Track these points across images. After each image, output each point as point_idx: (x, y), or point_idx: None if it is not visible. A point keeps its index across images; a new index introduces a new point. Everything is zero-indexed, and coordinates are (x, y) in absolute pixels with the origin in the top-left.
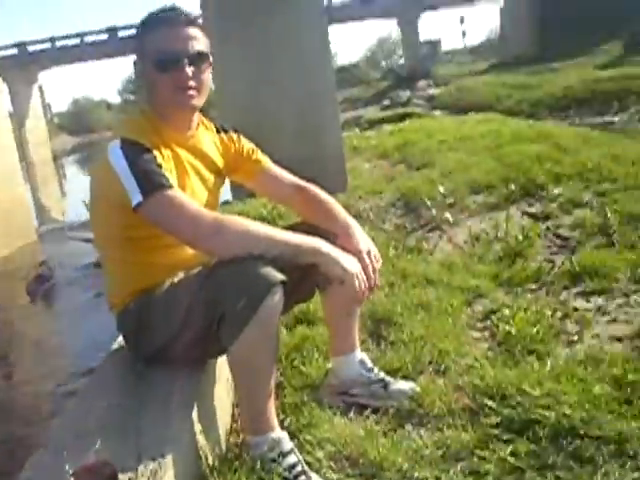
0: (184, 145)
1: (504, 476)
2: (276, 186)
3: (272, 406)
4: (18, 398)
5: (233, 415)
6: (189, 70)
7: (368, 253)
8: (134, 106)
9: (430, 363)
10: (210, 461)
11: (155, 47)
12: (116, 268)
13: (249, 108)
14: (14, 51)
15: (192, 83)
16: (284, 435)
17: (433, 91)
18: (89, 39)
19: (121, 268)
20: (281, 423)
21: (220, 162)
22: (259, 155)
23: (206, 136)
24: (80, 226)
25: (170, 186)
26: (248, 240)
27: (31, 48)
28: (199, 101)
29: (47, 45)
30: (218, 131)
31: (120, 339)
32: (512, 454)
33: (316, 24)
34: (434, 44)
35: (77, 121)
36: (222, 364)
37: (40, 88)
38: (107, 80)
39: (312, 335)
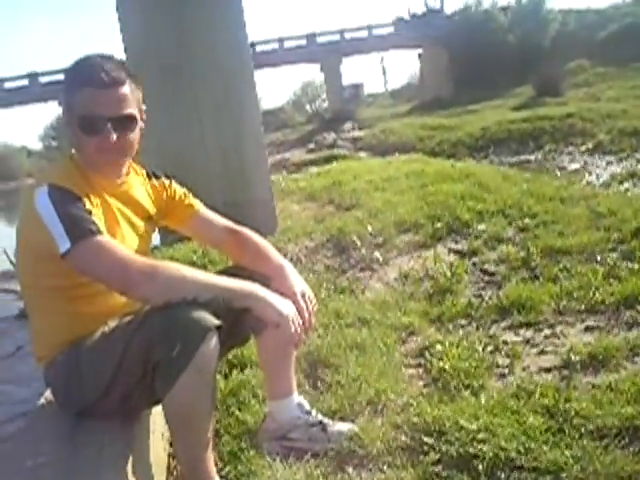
0: (113, 192)
1: None
2: (209, 230)
3: (210, 455)
4: None
5: (169, 467)
6: (113, 136)
7: (303, 295)
8: (56, 153)
9: (368, 403)
10: None
11: (80, 108)
12: (43, 319)
13: (175, 152)
14: None
15: (116, 146)
16: None
17: (358, 133)
18: (9, 85)
19: (49, 318)
20: (219, 472)
21: (151, 208)
22: (191, 200)
23: (137, 182)
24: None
25: (100, 232)
26: (181, 285)
27: None
28: (124, 160)
29: None
30: (149, 177)
31: (47, 394)
32: None
33: (242, 67)
34: (357, 87)
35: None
36: (156, 414)
37: None
38: (28, 126)
39: (247, 380)
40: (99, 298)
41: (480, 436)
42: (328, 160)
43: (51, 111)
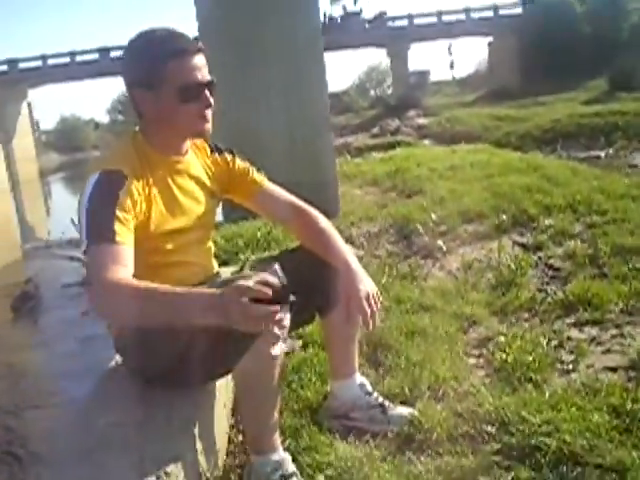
0: (174, 169)
1: None
2: (273, 205)
3: (276, 427)
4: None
5: (230, 438)
6: (212, 100)
7: (367, 297)
8: (122, 126)
9: (428, 389)
10: None
11: (178, 77)
12: None
13: (243, 130)
14: (4, 67)
15: (209, 112)
16: (287, 457)
17: (422, 121)
18: (80, 58)
19: None
20: (281, 445)
21: (213, 183)
22: (255, 175)
23: (197, 158)
24: (65, 244)
25: (114, 242)
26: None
27: (22, 65)
28: (210, 129)
29: (38, 63)
30: (212, 151)
31: (117, 357)
32: None
33: (313, 49)
34: (423, 74)
35: (65, 139)
36: (220, 387)
37: (29, 105)
38: (96, 99)
39: (309, 358)
40: (173, 267)
41: (543, 429)
42: (391, 146)
43: (119, 85)
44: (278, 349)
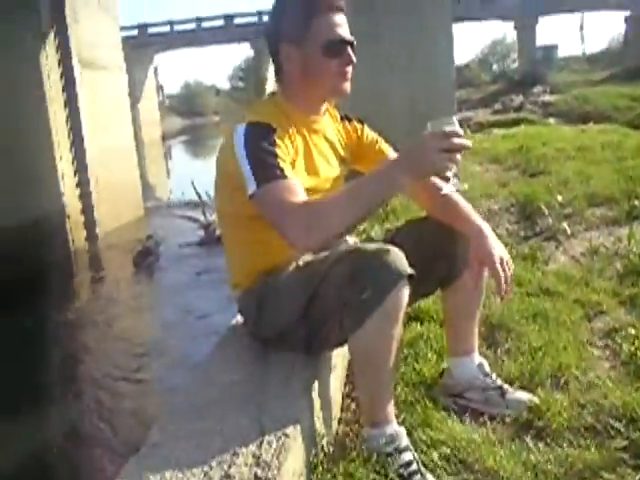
0: (311, 129)
1: None
2: None
3: (391, 399)
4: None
5: (342, 406)
6: (353, 58)
7: (501, 261)
8: (241, 93)
9: (549, 376)
10: (326, 447)
11: (324, 33)
12: (239, 247)
13: (363, 97)
14: (134, 32)
15: (350, 70)
16: (401, 431)
17: (548, 98)
18: (206, 24)
19: (245, 247)
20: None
21: (343, 150)
22: (382, 145)
23: (331, 123)
24: (184, 205)
25: (283, 176)
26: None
27: (150, 30)
28: (349, 89)
29: (166, 28)
30: (342, 119)
31: (238, 317)
32: None
33: (441, 17)
34: (550, 49)
35: (187, 104)
36: (336, 354)
37: (155, 70)
38: (218, 66)
39: (426, 333)
40: None
41: None
42: (515, 123)
43: (241, 52)
44: (448, 188)
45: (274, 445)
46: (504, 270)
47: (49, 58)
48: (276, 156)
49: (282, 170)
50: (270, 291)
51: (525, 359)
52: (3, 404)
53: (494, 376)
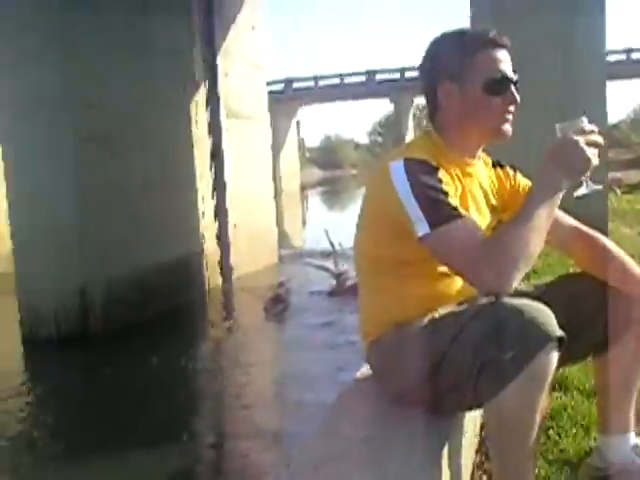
0: (466, 172)
1: None
2: (556, 227)
3: (532, 476)
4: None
5: (472, 476)
6: (517, 97)
7: None
8: (380, 148)
9: None
10: None
11: (486, 69)
12: (376, 294)
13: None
14: (281, 86)
15: (513, 110)
16: None
17: None
18: (348, 80)
19: (382, 295)
20: None
21: (494, 198)
22: None
23: (484, 169)
24: (317, 254)
25: (459, 216)
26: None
27: (295, 85)
28: (511, 131)
29: (310, 83)
30: (494, 165)
31: (364, 369)
32: None
33: (596, 77)
34: None
35: (326, 156)
36: (469, 419)
37: (298, 123)
38: (358, 121)
39: (570, 404)
40: (440, 280)
41: None
42: None
43: (381, 108)
44: (582, 190)
45: None
46: None
47: (199, 107)
48: (447, 194)
49: (456, 209)
50: (401, 343)
51: None
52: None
53: None
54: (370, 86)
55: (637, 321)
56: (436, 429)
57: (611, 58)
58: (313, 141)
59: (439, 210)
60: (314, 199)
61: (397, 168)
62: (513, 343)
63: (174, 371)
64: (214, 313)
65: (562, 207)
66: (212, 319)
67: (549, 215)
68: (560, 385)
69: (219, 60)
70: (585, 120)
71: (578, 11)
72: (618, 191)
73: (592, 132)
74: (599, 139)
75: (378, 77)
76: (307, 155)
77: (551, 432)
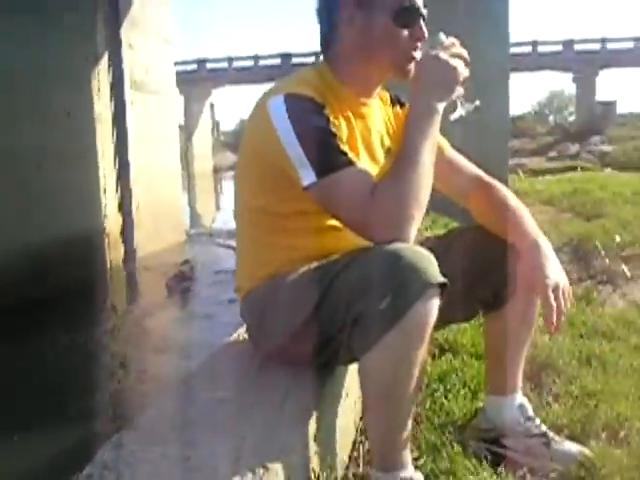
0: (358, 113)
1: None
2: (454, 175)
3: (408, 439)
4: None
5: (355, 442)
6: (425, 33)
7: (556, 288)
8: None
9: (605, 426)
10: None
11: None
12: (250, 246)
13: None
14: (194, 67)
15: (419, 48)
16: (418, 477)
17: (606, 148)
18: (263, 62)
19: (256, 247)
20: (414, 462)
21: (391, 140)
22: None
23: (379, 108)
24: (225, 234)
25: (350, 163)
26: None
27: (209, 65)
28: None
29: (224, 64)
30: (393, 103)
31: (240, 331)
32: None
33: (499, 67)
34: (608, 105)
35: (241, 140)
36: (352, 381)
37: (212, 105)
38: None
39: (459, 367)
40: (327, 233)
41: None
42: (570, 170)
43: None
44: (459, 111)
45: (248, 478)
46: (557, 299)
47: (101, 79)
48: (335, 136)
49: (346, 154)
50: (273, 296)
51: (576, 405)
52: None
53: (538, 421)
54: (285, 69)
55: (521, 280)
56: (312, 385)
57: (517, 50)
58: (228, 124)
59: (326, 156)
60: (229, 183)
61: (277, 105)
62: (388, 292)
63: (63, 349)
64: (114, 291)
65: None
66: (111, 297)
67: (431, 145)
68: (450, 348)
69: (123, 31)
70: (442, 35)
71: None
72: (521, 174)
73: (453, 45)
74: (461, 51)
75: (293, 60)
76: (222, 138)
77: (438, 394)
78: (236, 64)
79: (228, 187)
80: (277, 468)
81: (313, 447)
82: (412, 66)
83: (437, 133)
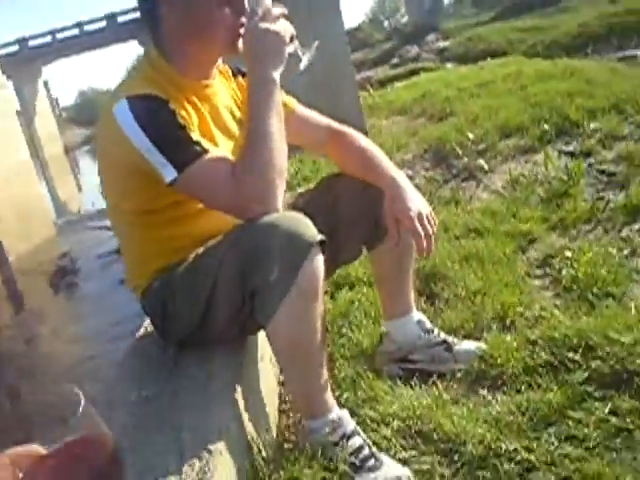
0: (203, 96)
1: (609, 439)
2: (308, 130)
3: (327, 384)
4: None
5: (281, 395)
6: (246, 6)
7: (420, 217)
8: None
9: (494, 318)
10: (263, 452)
11: None
12: (135, 245)
13: None
14: (16, 48)
15: (243, 23)
16: (344, 414)
17: (442, 44)
18: (88, 28)
19: (141, 245)
20: (337, 400)
21: (241, 111)
22: (285, 97)
23: (223, 83)
24: (97, 215)
25: (204, 151)
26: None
27: (32, 43)
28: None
29: (48, 39)
30: (234, 75)
31: (147, 323)
32: (612, 413)
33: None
34: None
35: (85, 113)
36: (264, 338)
37: (45, 83)
38: (110, 68)
39: (358, 298)
40: (202, 218)
41: (638, 349)
42: (414, 73)
43: (130, 51)
44: (304, 61)
45: (196, 465)
46: (423, 226)
47: None
48: (184, 128)
49: (199, 143)
50: (171, 288)
51: (465, 305)
52: None
53: (436, 330)
54: (113, 29)
55: (387, 215)
56: (229, 360)
57: None
58: (69, 99)
59: (180, 150)
60: (85, 160)
61: (122, 111)
62: (275, 261)
63: None
64: None
65: (317, 108)
66: None
67: (277, 113)
68: (347, 282)
69: None
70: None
71: None
72: (371, 89)
73: (268, 10)
74: (279, 10)
75: (119, 19)
76: (64, 115)
77: (344, 329)
78: (61, 36)
79: (85, 165)
80: (220, 448)
81: (246, 416)
82: (240, 43)
83: (279, 99)
